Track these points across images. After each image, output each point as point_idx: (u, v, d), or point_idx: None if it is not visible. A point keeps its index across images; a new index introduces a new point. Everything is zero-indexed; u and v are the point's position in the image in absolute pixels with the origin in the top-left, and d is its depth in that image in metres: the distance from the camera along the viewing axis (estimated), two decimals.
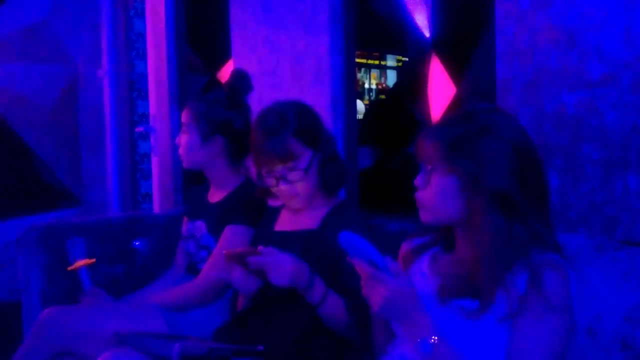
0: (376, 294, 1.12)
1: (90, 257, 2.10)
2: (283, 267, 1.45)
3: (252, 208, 1.92)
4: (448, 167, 1.18)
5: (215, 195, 2.07)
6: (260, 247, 1.48)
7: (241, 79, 2.07)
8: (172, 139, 3.39)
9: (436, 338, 1.11)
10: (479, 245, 1.16)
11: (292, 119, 1.64)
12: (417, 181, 1.22)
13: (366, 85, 5.71)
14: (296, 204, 1.69)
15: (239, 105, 2.04)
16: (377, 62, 6.05)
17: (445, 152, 1.18)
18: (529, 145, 1.21)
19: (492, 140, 1.17)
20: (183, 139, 2.04)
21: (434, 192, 1.20)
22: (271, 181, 1.67)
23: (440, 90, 3.19)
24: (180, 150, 2.05)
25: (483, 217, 1.16)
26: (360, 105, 5.02)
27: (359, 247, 1.15)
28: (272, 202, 1.87)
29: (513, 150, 1.17)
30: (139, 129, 3.99)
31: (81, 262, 2.07)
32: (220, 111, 2.02)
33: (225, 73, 3.51)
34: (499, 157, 1.16)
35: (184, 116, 2.04)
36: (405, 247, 1.39)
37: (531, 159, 1.19)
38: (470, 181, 1.16)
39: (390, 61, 6.06)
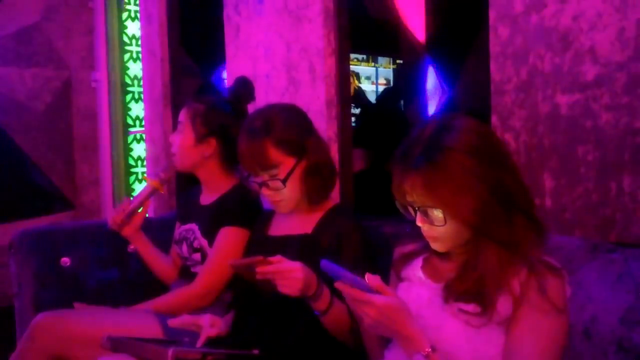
0: (365, 315, 1.11)
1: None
2: (295, 277, 1.40)
3: (246, 209, 1.92)
4: (432, 202, 1.16)
5: (207, 198, 2.06)
6: (270, 257, 1.44)
7: (245, 87, 2.07)
8: (166, 142, 3.38)
9: (430, 350, 1.10)
10: (488, 258, 1.16)
11: (277, 127, 1.63)
12: (420, 221, 1.20)
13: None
14: (280, 209, 1.69)
15: (239, 113, 2.03)
16: (371, 64, 6.06)
17: (423, 187, 1.16)
18: (495, 150, 1.18)
19: (460, 159, 1.14)
20: (177, 138, 2.03)
21: (447, 226, 1.18)
22: (254, 186, 1.67)
23: (434, 92, 3.19)
24: (173, 149, 2.04)
25: (486, 231, 1.16)
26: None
27: (338, 273, 1.14)
28: (266, 205, 1.86)
29: (480, 163, 1.15)
30: (133, 131, 3.98)
31: (151, 181, 2.06)
32: (219, 114, 2.01)
33: (219, 76, 3.50)
34: (470, 175, 1.14)
35: (182, 115, 2.04)
36: (397, 252, 1.38)
37: (501, 164, 1.17)
38: (466, 205, 1.15)
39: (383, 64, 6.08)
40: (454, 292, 1.18)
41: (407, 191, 1.19)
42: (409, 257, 1.34)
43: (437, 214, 1.17)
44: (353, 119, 3.24)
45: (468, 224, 1.16)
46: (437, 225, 1.18)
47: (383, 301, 1.11)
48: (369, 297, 1.10)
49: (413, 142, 1.19)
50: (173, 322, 1.65)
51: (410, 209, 1.21)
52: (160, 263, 2.12)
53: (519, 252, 1.16)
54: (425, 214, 1.18)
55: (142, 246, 2.10)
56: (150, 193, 2.06)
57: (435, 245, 1.23)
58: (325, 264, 1.15)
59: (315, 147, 1.67)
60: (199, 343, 1.57)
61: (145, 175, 2.29)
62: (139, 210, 2.06)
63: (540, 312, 1.12)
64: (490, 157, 1.17)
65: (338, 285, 1.13)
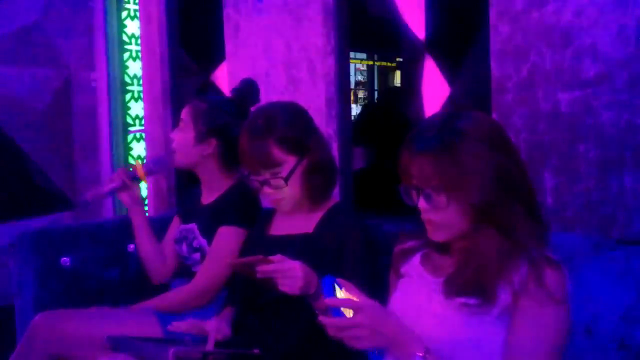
0: (358, 328, 1.09)
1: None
2: (295, 275, 1.40)
3: (245, 209, 1.91)
4: (446, 184, 1.16)
5: (207, 197, 2.05)
6: (270, 256, 1.44)
7: (251, 89, 2.06)
8: (166, 141, 3.38)
9: (423, 353, 1.10)
10: (487, 248, 1.16)
11: (279, 125, 1.63)
12: (423, 204, 1.20)
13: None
14: (282, 207, 1.69)
15: (242, 114, 2.02)
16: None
17: (437, 170, 1.16)
18: (501, 135, 1.21)
19: (469, 145, 1.16)
20: (178, 135, 2.02)
21: (448, 212, 1.18)
22: (256, 184, 1.66)
23: (434, 90, 3.18)
24: (173, 145, 2.03)
25: (488, 221, 1.16)
26: None
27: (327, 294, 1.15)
28: (266, 204, 1.85)
29: (489, 148, 1.16)
30: (132, 130, 3.98)
31: (139, 167, 2.05)
32: (221, 115, 2.00)
33: (219, 75, 3.49)
34: (481, 160, 1.15)
35: (184, 113, 2.03)
36: (397, 249, 1.38)
37: (507, 149, 1.19)
38: (469, 191, 1.15)
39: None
40: (454, 286, 1.18)
41: (414, 174, 1.19)
42: (408, 253, 1.34)
43: (442, 197, 1.17)
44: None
45: (471, 208, 1.16)
46: (439, 209, 1.18)
47: (371, 303, 1.11)
48: (357, 303, 1.11)
49: (425, 127, 1.21)
50: (177, 326, 1.63)
51: (414, 193, 1.20)
52: (151, 249, 2.08)
53: (518, 243, 1.16)
54: (429, 198, 1.19)
55: (138, 221, 2.07)
56: (133, 177, 2.04)
57: (433, 234, 1.23)
58: (325, 281, 1.16)
59: (317, 146, 1.67)
60: (209, 347, 1.56)
61: (138, 161, 2.30)
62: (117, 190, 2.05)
63: (540, 304, 1.12)
64: (499, 146, 1.18)
65: (328, 302, 1.12)
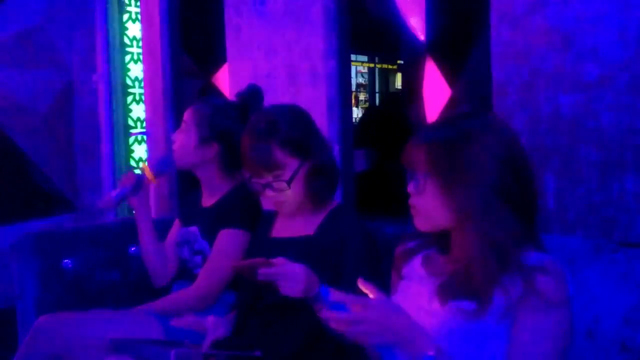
0: (367, 324, 1.08)
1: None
2: (296, 278, 1.41)
3: (246, 211, 1.91)
4: (432, 172, 1.18)
5: (208, 200, 2.05)
6: (272, 259, 1.44)
7: (255, 95, 2.06)
8: (167, 143, 3.38)
9: (434, 352, 1.09)
10: (469, 250, 1.17)
11: (282, 128, 1.63)
12: (410, 188, 1.22)
13: None
14: (284, 210, 1.69)
15: (245, 120, 2.02)
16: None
17: (427, 157, 1.19)
18: (512, 152, 1.19)
19: (471, 147, 1.16)
20: (180, 137, 2.02)
21: (428, 199, 1.20)
22: (258, 187, 1.66)
23: (435, 92, 3.19)
24: (175, 146, 2.04)
25: (469, 223, 1.16)
26: None
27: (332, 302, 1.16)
28: (267, 207, 1.86)
29: (492, 158, 1.16)
30: (134, 133, 3.99)
31: (147, 169, 2.04)
32: (224, 120, 2.00)
33: (220, 77, 3.50)
34: (478, 165, 1.16)
35: (187, 115, 2.03)
36: (398, 250, 1.38)
37: (515, 167, 1.18)
38: (453, 187, 1.16)
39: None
40: (448, 290, 1.18)
41: (414, 161, 1.22)
42: (409, 254, 1.34)
43: (423, 182, 1.19)
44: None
45: (453, 206, 1.17)
46: (421, 195, 1.20)
47: (379, 300, 1.11)
48: (365, 300, 1.10)
49: (437, 120, 1.28)
50: (176, 322, 1.64)
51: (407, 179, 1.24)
52: (155, 252, 2.09)
53: (506, 251, 1.15)
54: (416, 183, 1.21)
55: (144, 224, 2.07)
56: (142, 180, 2.04)
57: (417, 221, 1.25)
58: (323, 291, 1.16)
59: (319, 148, 1.68)
60: (205, 347, 1.57)
61: (145, 163, 2.28)
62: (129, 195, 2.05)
63: (539, 311, 1.12)
64: (504, 159, 1.17)
65: (334, 297, 1.12)
